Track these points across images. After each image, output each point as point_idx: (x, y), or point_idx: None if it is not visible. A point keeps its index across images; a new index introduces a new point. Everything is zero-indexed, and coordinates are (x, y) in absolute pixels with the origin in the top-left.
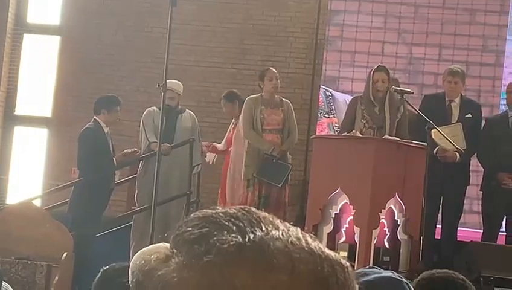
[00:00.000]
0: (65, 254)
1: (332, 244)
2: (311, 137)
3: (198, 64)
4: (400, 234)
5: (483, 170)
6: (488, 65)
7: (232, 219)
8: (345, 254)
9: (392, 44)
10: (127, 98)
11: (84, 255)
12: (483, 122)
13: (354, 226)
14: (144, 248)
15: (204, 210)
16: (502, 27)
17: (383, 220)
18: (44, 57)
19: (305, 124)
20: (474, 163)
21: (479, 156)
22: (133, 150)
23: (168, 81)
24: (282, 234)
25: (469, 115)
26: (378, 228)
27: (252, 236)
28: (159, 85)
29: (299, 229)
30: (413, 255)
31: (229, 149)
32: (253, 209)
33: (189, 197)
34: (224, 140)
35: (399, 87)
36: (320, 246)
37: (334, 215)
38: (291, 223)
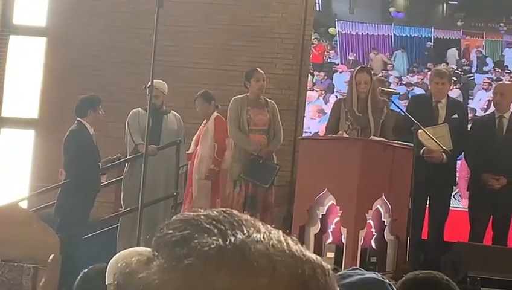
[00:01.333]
0: (52, 255)
1: (319, 245)
2: (298, 138)
3: (186, 65)
4: (387, 235)
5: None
6: None
7: (214, 222)
8: (332, 254)
9: None
10: (113, 99)
11: (71, 257)
12: (469, 123)
13: (341, 227)
14: (121, 251)
15: (186, 212)
16: None
17: (370, 221)
18: (31, 59)
19: (292, 125)
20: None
21: (465, 157)
22: (116, 156)
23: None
24: (263, 237)
25: (455, 116)
26: (365, 228)
27: (233, 239)
28: (145, 86)
29: (280, 231)
30: (400, 255)
31: (197, 148)
32: (235, 211)
33: (176, 199)
34: (193, 142)
35: (385, 87)
36: (301, 249)
37: (321, 216)
38: (273, 225)
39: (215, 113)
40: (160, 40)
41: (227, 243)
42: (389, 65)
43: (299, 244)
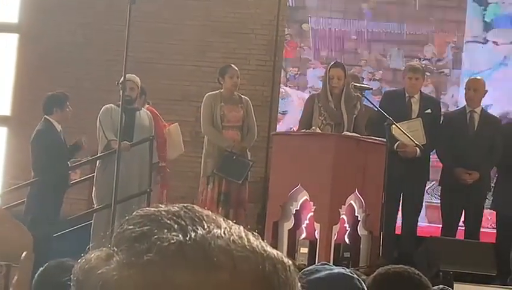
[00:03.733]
0: (24, 253)
1: (293, 240)
2: (272, 134)
3: (159, 61)
4: (360, 230)
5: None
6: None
7: (174, 217)
8: (306, 250)
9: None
10: (86, 96)
11: (43, 255)
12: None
13: (315, 223)
14: None
15: (147, 208)
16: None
17: (343, 216)
18: (3, 55)
19: (266, 121)
20: (435, 158)
21: (437, 152)
22: (76, 140)
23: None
24: (224, 233)
25: (429, 111)
26: (339, 224)
27: (193, 234)
28: (118, 82)
29: (241, 227)
30: (373, 250)
31: None
32: (196, 207)
33: (149, 195)
34: None
35: (358, 83)
36: (262, 244)
37: (294, 212)
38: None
39: (146, 106)
40: (133, 36)
41: (188, 238)
42: (363, 60)
43: (260, 240)
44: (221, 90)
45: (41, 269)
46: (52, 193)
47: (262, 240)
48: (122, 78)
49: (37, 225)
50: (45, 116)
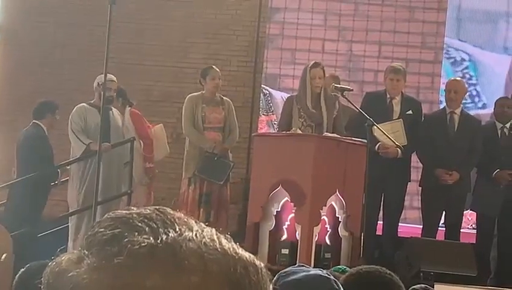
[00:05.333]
0: (4, 255)
1: (273, 241)
2: (253, 135)
3: (140, 62)
4: (341, 231)
5: (422, 166)
6: (427, 62)
7: (145, 220)
8: (287, 251)
9: (332, 41)
10: (67, 97)
11: (22, 257)
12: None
13: (296, 224)
14: None
15: (118, 211)
16: (440, 24)
17: (324, 217)
18: None
19: (247, 122)
20: (414, 159)
21: (418, 152)
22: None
23: (102, 76)
24: (195, 235)
25: (410, 112)
26: (319, 225)
27: (164, 237)
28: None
29: (214, 230)
30: (354, 251)
31: None
32: (168, 209)
33: (130, 197)
34: None
35: (339, 84)
36: (234, 247)
37: (275, 213)
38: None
39: (128, 108)
40: (114, 37)
41: (159, 241)
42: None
43: (232, 243)
44: (203, 92)
45: (22, 270)
46: (35, 194)
47: (243, 241)
48: (103, 78)
49: (17, 225)
50: (34, 120)
